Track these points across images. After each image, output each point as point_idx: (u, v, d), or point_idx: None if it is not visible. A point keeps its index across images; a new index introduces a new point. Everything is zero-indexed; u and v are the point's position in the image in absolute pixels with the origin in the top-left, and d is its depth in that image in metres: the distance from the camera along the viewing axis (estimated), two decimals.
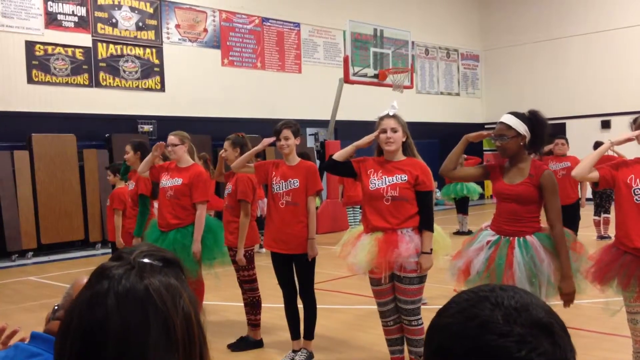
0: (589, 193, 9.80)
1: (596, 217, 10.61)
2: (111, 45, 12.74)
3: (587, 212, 9.28)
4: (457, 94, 20.87)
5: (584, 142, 12.43)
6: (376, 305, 4.10)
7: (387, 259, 3.77)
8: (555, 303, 3.42)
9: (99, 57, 12.57)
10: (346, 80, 12.93)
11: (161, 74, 13.51)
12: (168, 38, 13.66)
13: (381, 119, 3.96)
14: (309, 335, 4.71)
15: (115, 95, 12.74)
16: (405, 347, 4.11)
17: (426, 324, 3.99)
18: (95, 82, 12.49)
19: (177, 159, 5.29)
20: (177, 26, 13.83)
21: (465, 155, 11.91)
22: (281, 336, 5.27)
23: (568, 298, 3.43)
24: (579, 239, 3.88)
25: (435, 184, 18.06)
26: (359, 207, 10.49)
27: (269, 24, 15.56)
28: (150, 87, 13.32)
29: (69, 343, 0.89)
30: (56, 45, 11.94)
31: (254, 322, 5.18)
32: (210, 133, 13.14)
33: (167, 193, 5.20)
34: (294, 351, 4.74)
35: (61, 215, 11.33)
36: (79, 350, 0.87)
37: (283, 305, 4.77)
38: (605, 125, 18.23)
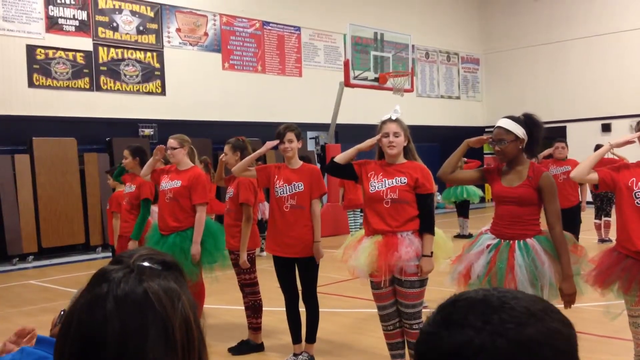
0: (589, 197, 9.80)
1: (597, 221, 10.60)
2: (112, 49, 12.76)
3: (588, 216, 9.28)
4: (458, 98, 20.88)
5: (585, 145, 12.42)
6: (377, 310, 4.10)
7: (387, 262, 3.77)
8: (559, 306, 3.41)
9: (100, 61, 12.58)
10: (347, 83, 12.94)
11: (162, 77, 13.52)
12: (169, 42, 13.68)
13: (383, 122, 3.96)
14: (311, 338, 4.71)
15: (116, 99, 12.75)
16: (407, 351, 4.10)
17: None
18: (96, 86, 12.51)
19: (177, 162, 5.30)
20: (178, 30, 13.85)
21: (465, 159, 11.94)
22: (282, 340, 5.26)
23: (569, 299, 3.43)
24: (580, 242, 3.88)
25: (436, 188, 17.93)
26: (359, 210, 10.49)
27: (269, 27, 15.59)
28: (151, 90, 13.34)
29: (68, 346, 0.89)
30: (57, 49, 11.95)
31: (255, 325, 5.17)
32: (210, 137, 13.14)
33: (167, 195, 5.20)
34: (295, 355, 4.74)
35: (62, 218, 11.33)
36: (78, 353, 0.87)
37: (284, 308, 4.77)
38: (606, 128, 18.23)
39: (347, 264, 4.06)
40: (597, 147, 10.10)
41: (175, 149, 5.25)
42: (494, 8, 21.11)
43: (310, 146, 15.93)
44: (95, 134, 12.16)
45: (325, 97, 14.74)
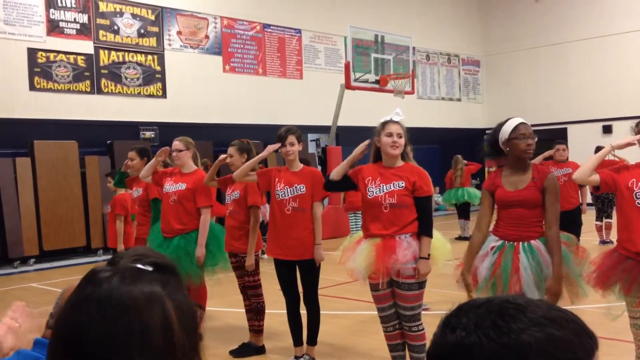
0: (589, 198, 9.80)
1: (598, 222, 10.60)
2: (113, 52, 12.78)
3: (589, 218, 9.27)
4: (458, 100, 20.88)
5: (586, 147, 12.42)
6: (376, 311, 4.10)
7: (385, 264, 3.78)
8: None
9: (101, 64, 12.60)
10: (347, 86, 12.95)
11: (163, 80, 13.54)
12: (169, 45, 13.70)
13: (386, 123, 3.96)
14: (312, 341, 4.71)
15: (117, 102, 12.77)
16: (407, 353, 4.10)
17: (428, 329, 4.01)
18: (97, 89, 12.52)
19: (182, 165, 5.31)
20: (179, 33, 13.87)
21: (466, 161, 11.95)
22: (283, 342, 5.26)
23: (553, 299, 3.42)
24: (581, 244, 3.88)
25: (436, 190, 17.97)
26: (360, 212, 10.48)
27: (270, 30, 15.60)
28: (151, 93, 13.35)
29: (54, 348, 0.88)
30: (58, 52, 11.97)
31: (257, 328, 5.17)
32: (211, 139, 13.16)
33: (171, 198, 5.21)
34: (297, 357, 4.74)
35: (63, 221, 11.34)
36: (66, 355, 0.86)
37: (284, 311, 4.77)
38: (607, 130, 18.23)
39: (346, 266, 4.07)
40: (598, 148, 10.11)
41: (181, 151, 5.27)
42: (494, 10, 21.12)
43: (311, 148, 15.94)
44: (96, 137, 12.18)
45: (326, 100, 14.75)
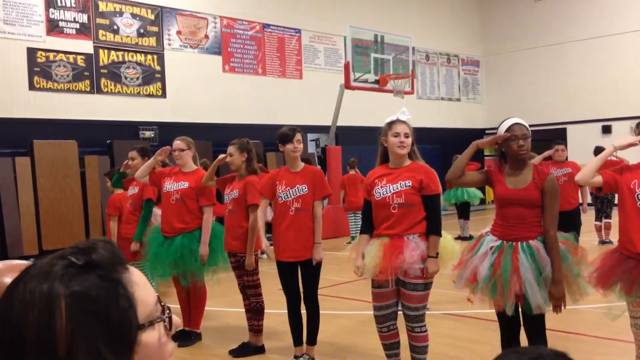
0: (589, 198, 9.80)
1: (597, 222, 10.60)
2: (112, 52, 12.78)
3: (588, 218, 9.28)
4: (458, 100, 20.89)
5: (585, 147, 12.43)
6: (373, 310, 4.07)
7: (392, 264, 3.78)
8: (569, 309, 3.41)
9: (101, 63, 12.60)
10: (347, 86, 12.95)
11: (162, 80, 13.53)
12: (169, 44, 13.70)
13: (393, 123, 3.96)
14: (312, 340, 4.71)
15: (116, 102, 12.76)
16: (409, 354, 4.10)
17: (430, 329, 4.01)
18: (96, 89, 12.52)
19: (183, 164, 5.32)
20: (178, 32, 13.86)
21: None
22: (283, 342, 5.26)
23: (557, 303, 3.43)
24: (580, 244, 3.88)
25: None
26: (360, 213, 10.49)
27: (269, 30, 15.60)
28: (151, 93, 13.35)
29: None
30: (58, 52, 11.97)
31: (256, 327, 5.16)
32: (211, 139, 13.16)
33: (173, 197, 5.20)
34: (296, 357, 4.74)
35: (62, 221, 11.33)
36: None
37: (285, 310, 4.77)
38: (606, 130, 18.24)
39: (354, 264, 4.05)
40: (597, 149, 10.14)
41: (182, 150, 5.29)
42: (494, 10, 21.13)
43: (311, 148, 15.94)
44: (96, 137, 12.17)
45: (326, 100, 14.76)
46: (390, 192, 3.89)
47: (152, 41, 13.41)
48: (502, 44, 20.87)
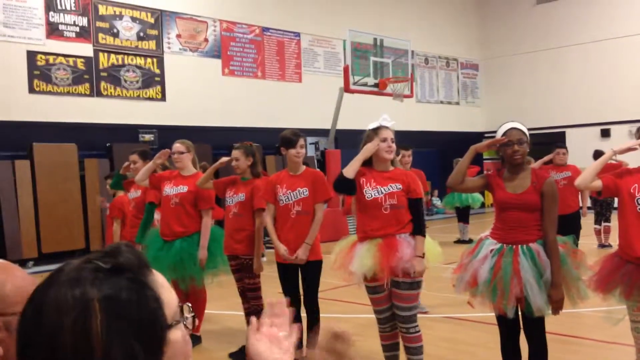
0: (589, 202, 9.80)
1: (597, 226, 10.61)
2: (112, 55, 12.79)
3: (587, 221, 9.29)
4: (457, 103, 20.91)
5: (584, 150, 12.44)
6: (374, 314, 4.12)
7: (389, 263, 3.80)
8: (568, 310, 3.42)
9: (100, 66, 12.61)
10: (346, 89, 12.97)
11: (162, 83, 13.55)
12: (169, 48, 13.72)
13: (379, 128, 4.03)
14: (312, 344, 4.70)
15: (116, 105, 12.77)
16: (404, 356, 4.11)
17: (423, 331, 4.02)
18: (96, 92, 12.53)
19: (182, 167, 5.32)
20: (178, 36, 13.88)
21: None
22: None
23: (557, 306, 3.44)
24: (580, 248, 3.89)
25: (435, 193, 17.85)
26: None
27: (269, 33, 15.62)
28: (151, 96, 13.36)
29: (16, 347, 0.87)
30: (57, 55, 11.98)
31: None
32: (210, 142, 13.17)
33: (172, 201, 5.20)
34: None
35: (62, 224, 11.33)
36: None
37: None
38: (605, 133, 18.26)
39: (344, 269, 4.07)
40: (596, 152, 10.14)
41: (182, 153, 5.29)
42: (493, 14, 21.17)
43: (310, 152, 15.94)
44: (95, 140, 12.18)
45: (325, 103, 14.77)
46: (382, 193, 3.95)
47: (151, 44, 13.42)
48: (501, 47, 20.91)
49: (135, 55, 13.15)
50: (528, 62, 20.19)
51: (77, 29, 12.31)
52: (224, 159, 5.24)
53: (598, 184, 3.65)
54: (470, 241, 10.41)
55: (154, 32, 13.49)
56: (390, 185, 3.95)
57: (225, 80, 14.62)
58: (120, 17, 12.96)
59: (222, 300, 6.82)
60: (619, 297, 3.56)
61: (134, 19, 13.17)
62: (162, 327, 0.87)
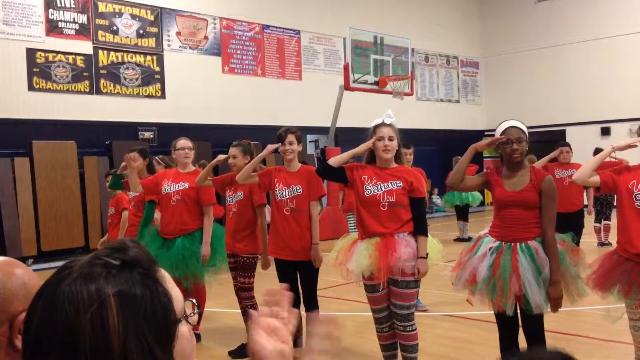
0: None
1: (597, 224, 10.61)
2: (112, 53, 12.78)
3: (587, 219, 9.28)
4: (457, 101, 20.90)
5: (585, 148, 12.43)
6: (372, 313, 4.11)
7: (387, 262, 3.79)
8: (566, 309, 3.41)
9: (100, 64, 12.60)
10: (346, 87, 12.95)
11: (162, 81, 13.54)
12: (169, 45, 13.70)
13: (377, 127, 4.00)
14: None
15: (115, 103, 12.76)
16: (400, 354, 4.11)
17: (423, 329, 4.01)
18: (95, 89, 12.52)
19: (186, 164, 5.33)
20: (178, 33, 13.87)
21: None
22: None
23: (556, 303, 3.44)
24: (580, 246, 3.88)
25: (435, 191, 17.86)
26: None
27: (269, 31, 15.61)
28: (150, 94, 13.35)
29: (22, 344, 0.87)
30: (57, 52, 11.97)
31: None
32: (210, 140, 13.16)
33: (173, 198, 5.20)
34: (296, 358, 4.73)
35: (61, 222, 11.33)
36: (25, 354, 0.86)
37: None
38: (605, 132, 18.25)
39: (343, 267, 4.07)
40: (597, 150, 10.13)
41: (192, 149, 5.33)
42: (493, 12, 21.15)
43: (310, 149, 15.94)
44: (95, 138, 12.17)
45: (325, 101, 14.76)
46: (381, 190, 3.92)
47: (151, 42, 13.41)
48: (501, 45, 20.89)
49: (135, 52, 13.13)
50: (528, 60, 20.17)
51: (77, 27, 12.30)
52: (222, 156, 5.23)
53: (596, 179, 3.65)
54: (470, 239, 10.37)
55: (154, 29, 13.47)
56: (391, 182, 3.93)
57: (225, 78, 14.60)
58: (120, 14, 12.94)
59: (222, 298, 6.82)
60: (618, 295, 3.56)
61: (133, 17, 13.16)
62: (174, 321, 0.88)
